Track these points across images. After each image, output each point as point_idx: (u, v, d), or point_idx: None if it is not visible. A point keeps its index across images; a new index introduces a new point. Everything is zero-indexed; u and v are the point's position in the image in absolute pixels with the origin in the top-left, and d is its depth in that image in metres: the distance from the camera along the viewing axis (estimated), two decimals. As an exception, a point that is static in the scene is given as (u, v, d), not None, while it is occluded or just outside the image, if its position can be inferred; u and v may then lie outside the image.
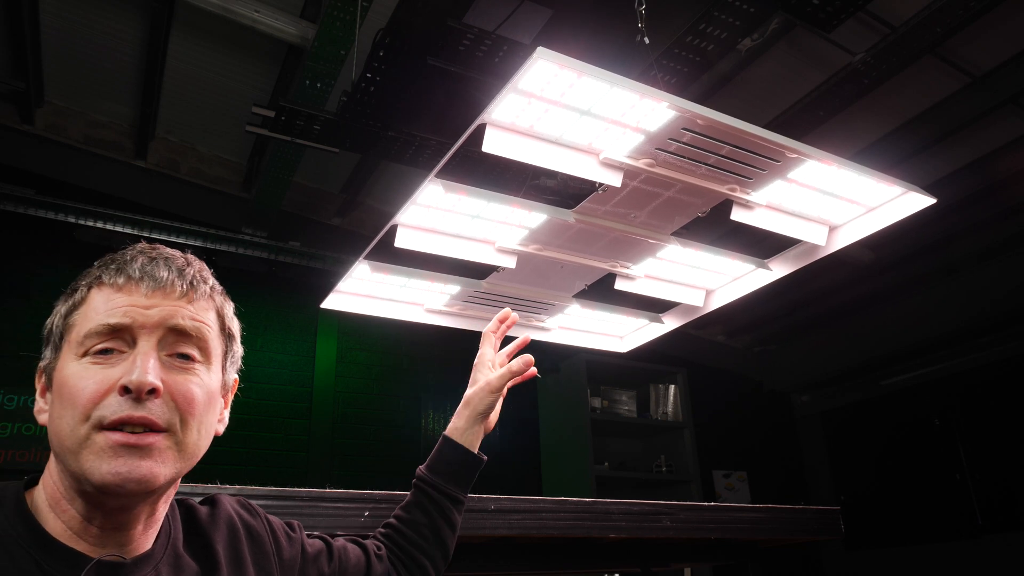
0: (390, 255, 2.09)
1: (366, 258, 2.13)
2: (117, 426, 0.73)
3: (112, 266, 0.81)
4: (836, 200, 1.91)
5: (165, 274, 0.81)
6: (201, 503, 0.95)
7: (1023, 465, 4.60)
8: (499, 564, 1.67)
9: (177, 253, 0.86)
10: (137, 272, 0.80)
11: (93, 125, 3.77)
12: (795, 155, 1.70)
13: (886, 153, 3.65)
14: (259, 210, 4.00)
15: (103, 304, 0.78)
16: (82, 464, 0.73)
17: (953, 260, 4.76)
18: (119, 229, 3.69)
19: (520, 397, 4.88)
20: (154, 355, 0.77)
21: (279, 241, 4.12)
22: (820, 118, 3.34)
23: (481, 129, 1.58)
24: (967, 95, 3.40)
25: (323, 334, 4.33)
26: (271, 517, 1.01)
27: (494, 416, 1.31)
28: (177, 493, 0.87)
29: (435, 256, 2.06)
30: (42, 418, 0.80)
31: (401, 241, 1.96)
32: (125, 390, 0.74)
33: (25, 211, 3.54)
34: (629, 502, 1.67)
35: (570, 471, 4.54)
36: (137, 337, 0.77)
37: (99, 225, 3.65)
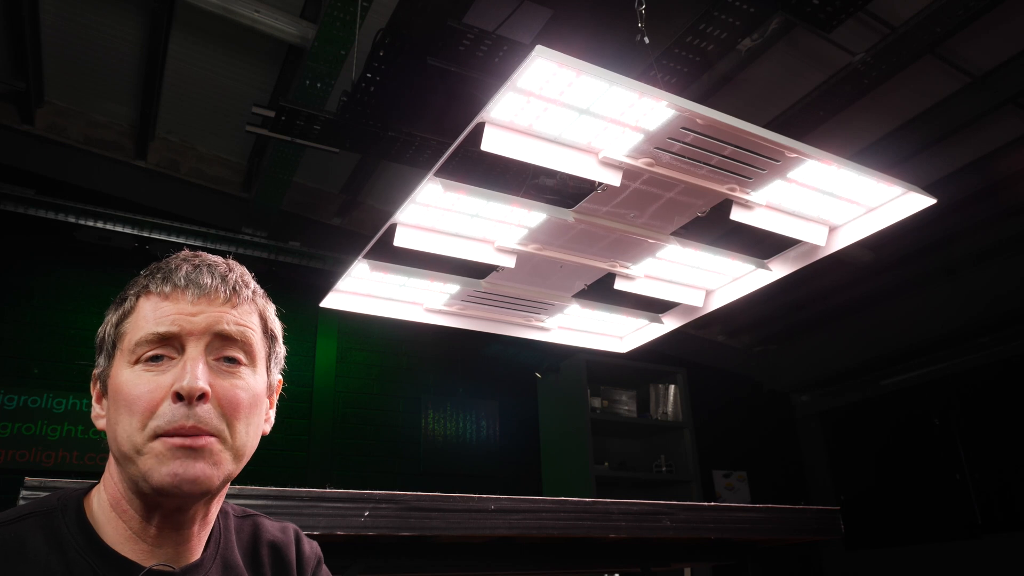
0: (390, 254, 2.09)
1: (365, 257, 2.13)
2: (172, 433, 0.77)
3: (158, 275, 0.84)
4: (836, 200, 1.91)
5: (209, 281, 0.83)
6: (270, 522, 0.97)
7: (1023, 465, 4.60)
8: (499, 564, 1.67)
9: (219, 259, 0.89)
10: (182, 280, 0.83)
11: (93, 125, 3.77)
12: (795, 155, 1.70)
13: (886, 153, 3.65)
14: (259, 210, 4.00)
15: (152, 313, 0.81)
16: (141, 468, 0.76)
17: (953, 260, 4.76)
18: (119, 229, 3.69)
19: (520, 397, 4.88)
20: (202, 360, 0.80)
21: (279, 241, 4.12)
22: (820, 118, 3.34)
23: (480, 128, 1.58)
24: (967, 95, 3.40)
25: (323, 334, 4.33)
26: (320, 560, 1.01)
27: None
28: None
29: (434, 255, 2.06)
30: (100, 423, 0.84)
31: (400, 240, 1.96)
32: (177, 396, 0.77)
33: (25, 211, 3.54)
34: (629, 502, 1.67)
35: (570, 471, 4.54)
36: (185, 343, 0.80)
37: (99, 225, 3.65)
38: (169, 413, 0.76)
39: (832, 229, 2.05)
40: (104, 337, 0.85)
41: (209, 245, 3.88)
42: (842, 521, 1.98)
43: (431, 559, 1.60)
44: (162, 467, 0.75)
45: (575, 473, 4.49)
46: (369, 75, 2.86)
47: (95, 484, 0.84)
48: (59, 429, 3.53)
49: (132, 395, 0.78)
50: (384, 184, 4.23)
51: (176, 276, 0.83)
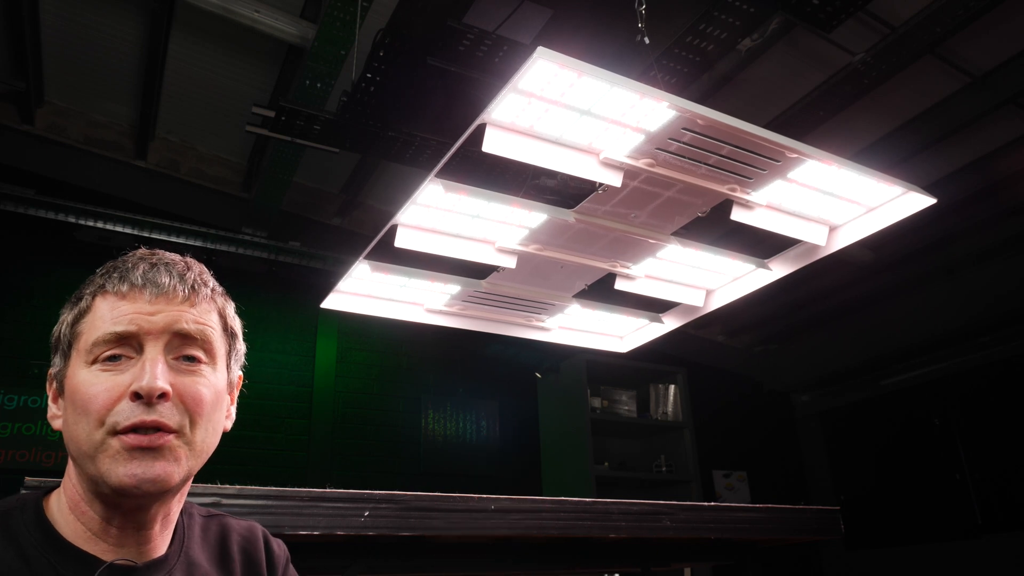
0: (390, 255, 2.09)
1: (366, 258, 2.13)
2: (130, 430, 0.76)
3: (115, 274, 0.83)
4: (836, 200, 1.91)
5: (167, 280, 0.83)
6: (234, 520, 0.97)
7: (1023, 465, 4.60)
8: (499, 564, 1.67)
9: (177, 257, 0.88)
10: (140, 279, 0.82)
11: (93, 125, 3.77)
12: (795, 155, 1.70)
13: (886, 153, 3.65)
14: (259, 210, 4.00)
15: (109, 312, 0.80)
16: (99, 467, 0.76)
17: (953, 260, 4.75)
18: (119, 229, 3.69)
19: (520, 397, 4.88)
20: (162, 360, 0.79)
21: (279, 241, 4.12)
22: (820, 118, 3.34)
23: (481, 129, 1.58)
24: (967, 95, 3.40)
25: (323, 334, 4.33)
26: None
27: None
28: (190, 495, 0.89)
29: (435, 256, 2.06)
30: (56, 423, 0.83)
31: (401, 241, 1.97)
32: (136, 396, 0.77)
33: (25, 211, 3.54)
34: (629, 502, 1.67)
35: (570, 471, 4.54)
36: (144, 343, 0.79)
37: (99, 225, 3.65)
38: (127, 409, 0.76)
39: (832, 229, 2.05)
40: (59, 336, 0.84)
41: (209, 245, 3.88)
42: (842, 521, 1.98)
43: (431, 559, 1.60)
44: (120, 468, 0.75)
45: (575, 473, 4.49)
46: (369, 75, 2.86)
47: (56, 486, 0.84)
48: (59, 429, 3.53)
49: (89, 395, 0.77)
50: (384, 184, 4.23)
51: (133, 275, 0.82)
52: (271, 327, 4.18)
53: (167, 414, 0.77)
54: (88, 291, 0.84)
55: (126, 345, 0.79)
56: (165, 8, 2.91)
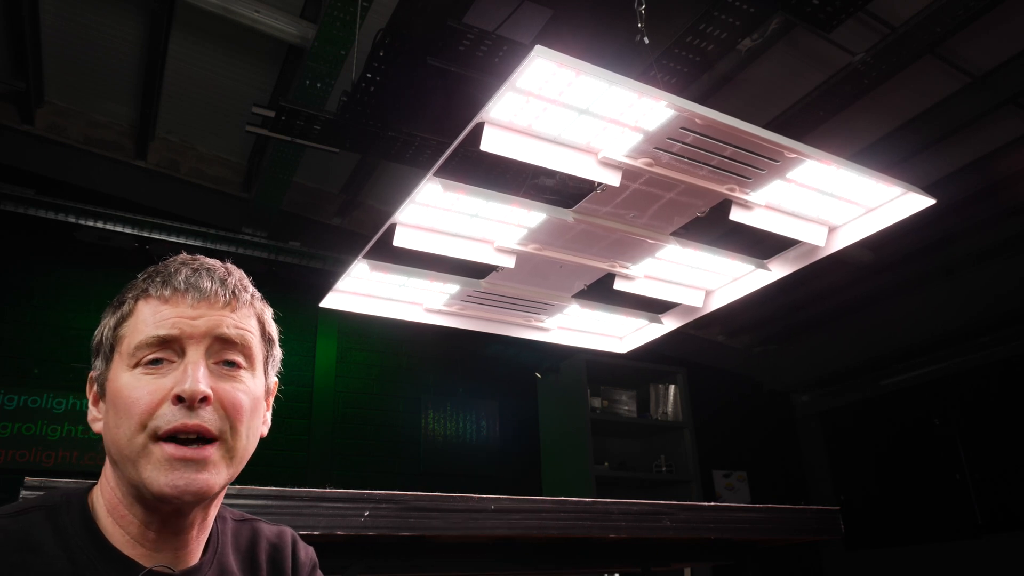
0: (389, 254, 2.09)
1: (365, 257, 2.13)
2: (172, 435, 0.77)
3: (157, 279, 0.84)
4: (836, 200, 1.91)
5: (209, 285, 0.84)
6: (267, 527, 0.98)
7: (1023, 465, 4.60)
8: (499, 564, 1.67)
9: (217, 263, 0.89)
10: (182, 284, 0.83)
11: (93, 125, 3.77)
12: (795, 155, 1.70)
13: (886, 153, 3.65)
14: (259, 210, 4.00)
15: (151, 316, 0.82)
16: (141, 474, 0.77)
17: (953, 260, 4.75)
18: (119, 229, 3.69)
19: (520, 397, 4.88)
20: (203, 364, 0.80)
21: (279, 241, 4.12)
22: (820, 118, 3.34)
23: (480, 128, 1.58)
24: (967, 95, 3.40)
25: (323, 334, 4.33)
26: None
27: None
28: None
29: (434, 255, 2.06)
30: (97, 426, 0.84)
31: (400, 240, 1.96)
32: (178, 399, 0.77)
33: (25, 211, 3.54)
34: (629, 502, 1.67)
35: (570, 471, 4.54)
36: (186, 347, 0.80)
37: (99, 225, 3.65)
38: (169, 414, 0.77)
39: (832, 229, 2.05)
40: (101, 340, 0.85)
41: (209, 245, 3.88)
42: (842, 521, 1.98)
43: (431, 559, 1.60)
44: (162, 477, 0.76)
45: (575, 473, 4.49)
46: (369, 75, 2.86)
47: (95, 484, 0.84)
48: (59, 429, 3.53)
49: (132, 398, 0.78)
50: (384, 184, 4.23)
51: (176, 280, 0.83)
52: (271, 327, 4.17)
53: (208, 419, 0.78)
54: (130, 295, 0.85)
55: (168, 349, 0.80)
56: (165, 8, 2.91)
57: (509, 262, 2.13)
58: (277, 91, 3.44)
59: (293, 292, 4.22)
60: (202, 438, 0.78)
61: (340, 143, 3.21)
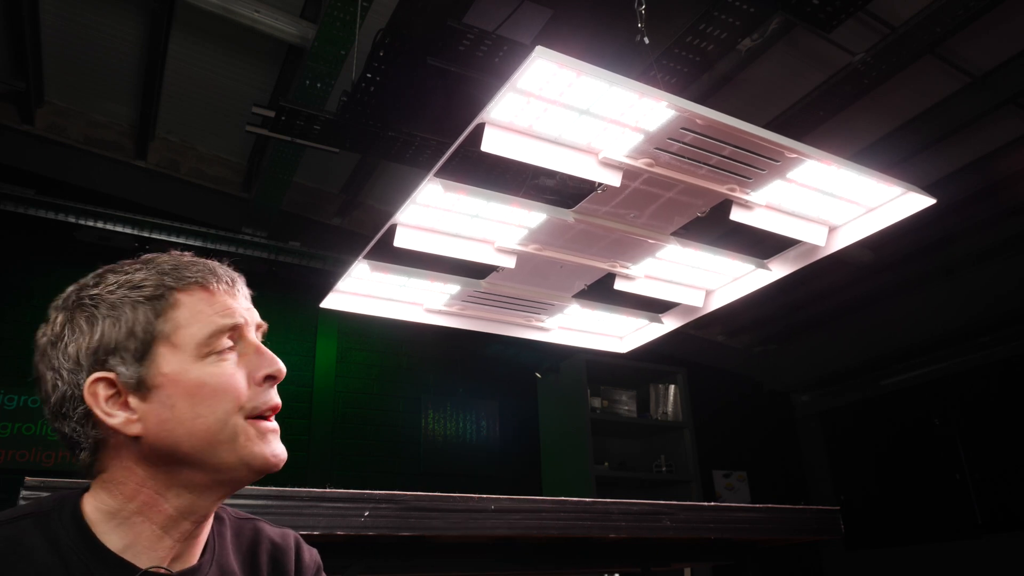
0: (390, 255, 2.09)
1: (365, 258, 2.13)
2: (267, 413, 0.84)
3: (194, 270, 0.85)
4: (836, 200, 1.91)
5: (233, 274, 0.89)
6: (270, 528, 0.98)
7: (1023, 465, 4.60)
8: (499, 564, 1.67)
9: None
10: (223, 274, 0.87)
11: (93, 125, 3.77)
12: (795, 155, 1.70)
13: (886, 153, 3.65)
14: (259, 210, 4.00)
15: (208, 307, 0.84)
16: (240, 452, 0.81)
17: (953, 260, 4.75)
18: (119, 229, 3.69)
19: (520, 397, 4.88)
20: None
21: (279, 241, 4.12)
22: (820, 118, 3.34)
23: (480, 128, 1.58)
24: (967, 95, 3.40)
25: (323, 334, 4.33)
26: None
27: None
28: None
29: (434, 256, 2.06)
30: (135, 428, 0.79)
31: (400, 241, 1.97)
32: (269, 379, 0.85)
33: (25, 211, 3.54)
34: (629, 502, 1.67)
35: (570, 471, 4.54)
36: (244, 333, 0.86)
37: (99, 225, 3.65)
38: (263, 394, 0.84)
39: (832, 229, 2.05)
40: (126, 336, 0.80)
41: (209, 245, 3.88)
42: (842, 521, 1.98)
43: (431, 559, 1.60)
44: (266, 447, 0.82)
45: (575, 473, 4.49)
46: (369, 75, 2.86)
47: (87, 489, 0.83)
48: (59, 429, 3.53)
49: (223, 383, 0.81)
50: (384, 184, 4.23)
51: (214, 270, 0.87)
52: (271, 327, 4.14)
53: (279, 398, 0.87)
54: (157, 288, 0.82)
55: (232, 336, 0.84)
56: (165, 8, 2.91)
57: (509, 262, 2.13)
58: (277, 91, 3.44)
59: (293, 292, 4.23)
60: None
61: (340, 143, 3.21)
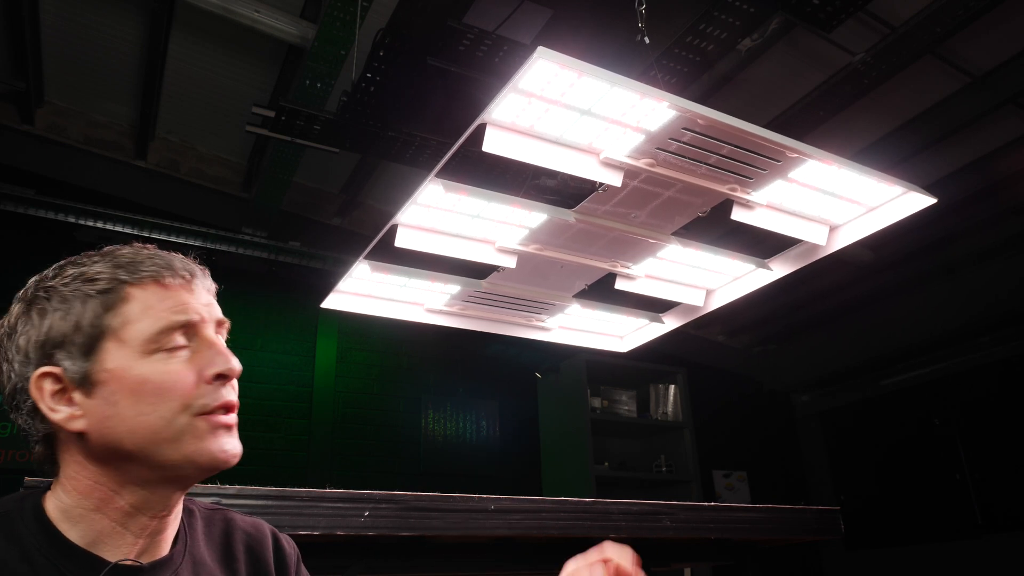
0: (390, 255, 2.09)
1: (366, 258, 2.13)
2: (218, 410, 0.81)
3: (148, 264, 0.83)
4: (836, 200, 1.91)
5: (194, 268, 0.86)
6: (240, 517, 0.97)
7: (1023, 465, 4.60)
8: (499, 564, 1.67)
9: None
10: (180, 268, 0.84)
11: (93, 125, 3.77)
12: (795, 155, 1.70)
13: (886, 153, 3.65)
14: (259, 210, 4.00)
15: (159, 302, 0.81)
16: (184, 450, 0.78)
17: (953, 260, 4.76)
18: (119, 229, 3.69)
19: (520, 397, 4.88)
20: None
21: (279, 241, 4.12)
22: (820, 118, 3.34)
23: (481, 129, 1.58)
24: (967, 95, 3.40)
25: (323, 334, 4.33)
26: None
27: None
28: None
29: (435, 256, 2.06)
30: (78, 424, 0.78)
31: (401, 241, 1.96)
32: (220, 377, 0.81)
33: (25, 211, 3.54)
34: (629, 502, 1.66)
35: (570, 471, 4.54)
36: (199, 330, 0.82)
37: (99, 225, 3.65)
38: (212, 391, 0.80)
39: (832, 229, 2.05)
40: (72, 331, 0.79)
41: (209, 245, 3.88)
42: (842, 521, 1.98)
43: (431, 559, 1.60)
44: (214, 444, 0.79)
45: (575, 473, 4.49)
46: (369, 75, 2.86)
47: (48, 488, 0.82)
48: (59, 429, 3.53)
49: (169, 382, 0.79)
50: (384, 184, 4.23)
51: (170, 264, 0.83)
52: (271, 327, 4.18)
53: (234, 395, 0.83)
54: (109, 282, 0.81)
55: (186, 332, 0.82)
56: (165, 8, 2.91)
57: (510, 262, 2.13)
58: (277, 91, 3.44)
59: (293, 292, 4.23)
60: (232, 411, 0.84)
61: (340, 143, 3.21)
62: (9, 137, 3.64)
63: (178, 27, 3.16)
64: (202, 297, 0.85)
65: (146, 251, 0.85)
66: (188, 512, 0.90)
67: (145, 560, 0.80)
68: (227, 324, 0.88)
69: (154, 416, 0.78)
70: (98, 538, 0.78)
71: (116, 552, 0.78)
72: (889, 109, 3.55)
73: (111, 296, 0.80)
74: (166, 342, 0.80)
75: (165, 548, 0.83)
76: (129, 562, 0.78)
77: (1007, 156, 3.83)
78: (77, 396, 0.78)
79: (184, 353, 0.81)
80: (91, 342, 0.79)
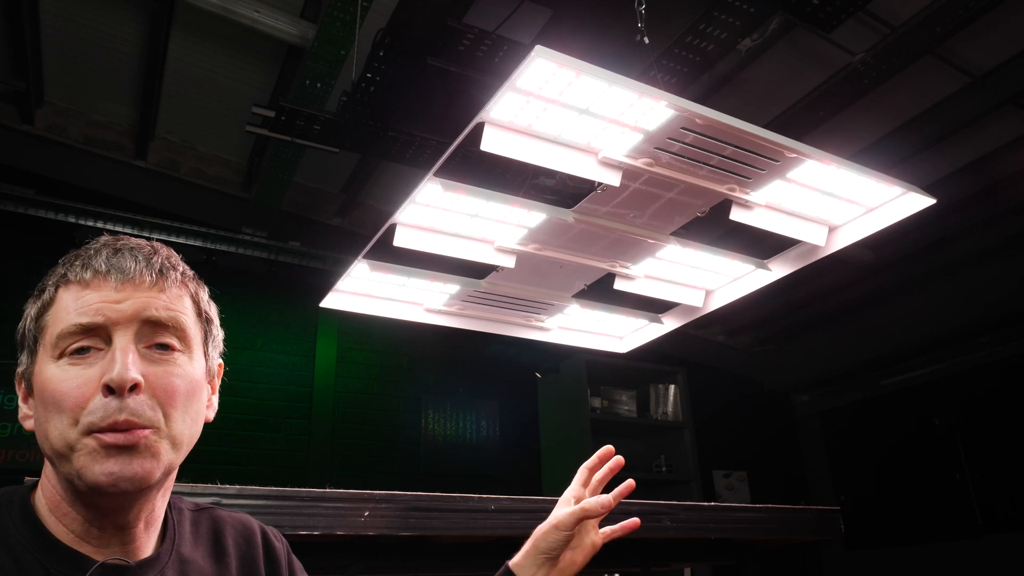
0: (389, 254, 2.09)
1: (365, 257, 2.13)
2: (107, 430, 0.73)
3: (77, 263, 0.79)
4: (836, 200, 1.91)
5: (132, 265, 0.79)
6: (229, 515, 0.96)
7: (1023, 465, 4.60)
8: (499, 564, 1.66)
9: (143, 242, 0.84)
10: (103, 266, 0.78)
11: (93, 125, 3.77)
12: (795, 155, 1.70)
13: (886, 153, 3.65)
14: (259, 210, 4.00)
15: (73, 303, 0.77)
16: (75, 466, 0.73)
17: (953, 260, 4.75)
18: (119, 229, 3.69)
19: (520, 397, 4.88)
20: (132, 349, 0.76)
21: (279, 241, 4.12)
22: (820, 118, 3.34)
23: (480, 128, 1.58)
24: (967, 95, 3.40)
25: (323, 334, 4.33)
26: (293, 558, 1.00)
27: (575, 558, 1.14)
28: (173, 493, 0.88)
29: (434, 255, 2.06)
30: (28, 424, 0.79)
31: (400, 240, 1.96)
32: (108, 389, 0.73)
33: (25, 211, 3.54)
34: (629, 502, 1.66)
35: (570, 471, 4.51)
36: (112, 333, 0.76)
37: (99, 225, 3.65)
38: (102, 408, 0.72)
39: (832, 229, 2.05)
40: (24, 332, 0.80)
41: (209, 245, 3.88)
42: (842, 521, 1.98)
43: (431, 559, 1.60)
44: (96, 466, 0.72)
45: (575, 473, 4.48)
46: (369, 75, 2.86)
47: (36, 484, 0.81)
48: (59, 429, 3.53)
49: (60, 391, 0.73)
50: (384, 184, 4.23)
51: (96, 262, 0.78)
52: (271, 327, 4.18)
53: (139, 410, 0.73)
54: (51, 282, 0.80)
55: (94, 336, 0.76)
56: (165, 8, 2.91)
57: (509, 262, 2.13)
58: (277, 91, 3.44)
59: (293, 292, 4.23)
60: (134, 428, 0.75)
61: (340, 143, 3.21)
62: (9, 137, 3.64)
63: (178, 27, 3.16)
64: (126, 295, 0.77)
65: (108, 247, 0.81)
66: (177, 511, 0.88)
67: (131, 559, 0.78)
68: (172, 325, 0.79)
69: (49, 427, 0.74)
70: (80, 536, 0.77)
71: (100, 550, 0.77)
72: (889, 109, 3.55)
73: (44, 297, 0.80)
74: (67, 346, 0.75)
75: (148, 548, 0.81)
76: (116, 561, 0.76)
77: (1007, 156, 3.83)
78: (30, 398, 0.79)
79: (89, 360, 0.75)
80: (33, 344, 0.79)
